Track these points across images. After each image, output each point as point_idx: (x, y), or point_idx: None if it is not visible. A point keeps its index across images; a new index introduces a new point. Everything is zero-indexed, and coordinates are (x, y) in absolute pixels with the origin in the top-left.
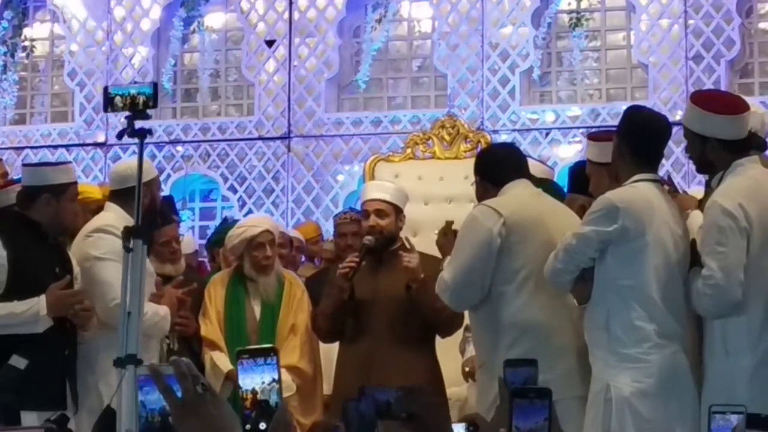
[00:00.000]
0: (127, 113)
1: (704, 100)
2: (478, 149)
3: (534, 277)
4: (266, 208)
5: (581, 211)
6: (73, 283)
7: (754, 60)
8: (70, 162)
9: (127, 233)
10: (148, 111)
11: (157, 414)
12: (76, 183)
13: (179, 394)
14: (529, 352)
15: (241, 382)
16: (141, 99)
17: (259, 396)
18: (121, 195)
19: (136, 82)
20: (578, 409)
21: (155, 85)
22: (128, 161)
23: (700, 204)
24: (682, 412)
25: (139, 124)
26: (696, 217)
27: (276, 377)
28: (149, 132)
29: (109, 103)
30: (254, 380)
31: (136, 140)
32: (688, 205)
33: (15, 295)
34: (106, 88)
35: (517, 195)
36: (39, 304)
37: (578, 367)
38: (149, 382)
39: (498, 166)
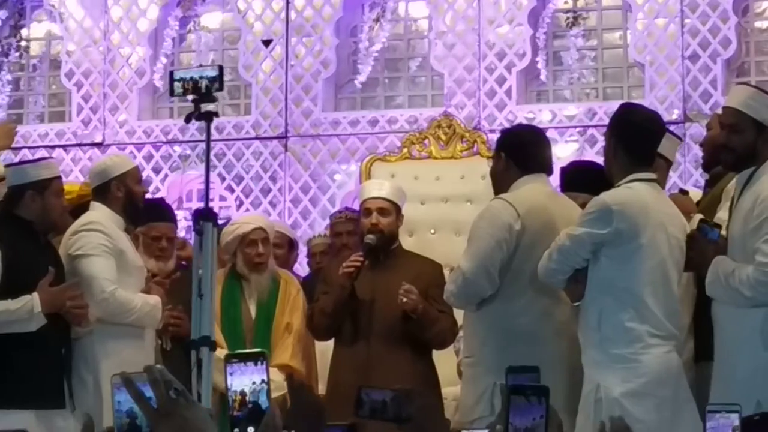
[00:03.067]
0: (191, 97)
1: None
2: (475, 149)
3: (537, 282)
4: (263, 207)
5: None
6: (64, 280)
7: (750, 59)
8: (51, 158)
9: (197, 216)
10: (215, 94)
11: (125, 416)
12: (59, 178)
13: (154, 400)
14: (520, 357)
15: (229, 384)
16: (203, 83)
17: (248, 398)
18: (102, 191)
19: (201, 66)
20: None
21: (221, 68)
22: (104, 158)
23: (698, 205)
24: (676, 413)
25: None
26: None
27: (265, 378)
28: (215, 114)
29: (173, 88)
30: (243, 382)
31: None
32: (688, 208)
33: (10, 294)
34: (171, 72)
35: (534, 194)
36: (32, 300)
37: (567, 380)
38: (123, 387)
39: (529, 150)
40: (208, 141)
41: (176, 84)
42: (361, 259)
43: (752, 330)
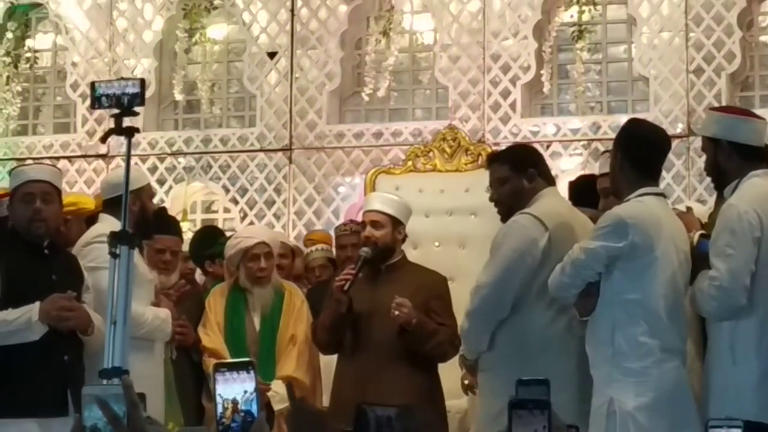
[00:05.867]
0: (114, 111)
1: (721, 107)
2: (479, 162)
3: None
4: (268, 219)
5: None
6: (81, 293)
7: (754, 73)
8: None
9: (113, 238)
10: (136, 108)
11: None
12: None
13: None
14: (543, 371)
15: (221, 391)
16: (125, 99)
17: (240, 406)
18: (113, 204)
19: (123, 78)
20: None
21: (143, 83)
22: (119, 170)
23: (704, 226)
24: (682, 427)
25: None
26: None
27: (255, 387)
28: (137, 130)
29: (95, 101)
30: (234, 390)
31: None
32: (692, 226)
33: (10, 304)
34: (93, 84)
35: (556, 207)
36: (32, 311)
37: (586, 395)
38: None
39: (542, 162)
40: (128, 158)
41: (101, 99)
42: (353, 271)
43: (724, 344)
